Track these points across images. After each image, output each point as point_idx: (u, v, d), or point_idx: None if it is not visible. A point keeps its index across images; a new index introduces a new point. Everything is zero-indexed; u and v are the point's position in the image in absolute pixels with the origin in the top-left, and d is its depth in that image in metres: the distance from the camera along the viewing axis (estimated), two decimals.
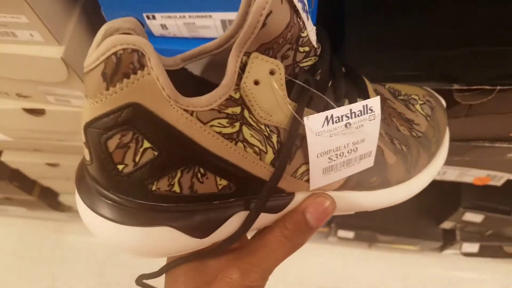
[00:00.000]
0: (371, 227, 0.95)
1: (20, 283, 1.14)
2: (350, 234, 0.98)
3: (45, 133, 0.61)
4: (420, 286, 1.08)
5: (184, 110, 0.21)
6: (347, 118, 0.24)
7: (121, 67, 0.19)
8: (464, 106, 0.42)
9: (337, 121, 0.23)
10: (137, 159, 0.21)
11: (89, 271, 1.14)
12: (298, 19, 0.21)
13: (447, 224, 0.89)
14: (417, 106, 0.34)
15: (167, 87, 0.20)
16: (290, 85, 0.23)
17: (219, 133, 0.22)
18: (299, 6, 0.21)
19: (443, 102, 0.38)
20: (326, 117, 0.23)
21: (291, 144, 0.23)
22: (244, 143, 0.23)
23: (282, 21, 0.21)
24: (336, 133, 0.24)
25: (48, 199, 1.03)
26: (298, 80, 0.23)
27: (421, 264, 1.10)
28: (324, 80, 0.24)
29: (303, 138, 0.24)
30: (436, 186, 0.88)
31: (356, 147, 0.25)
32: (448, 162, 0.56)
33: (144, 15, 0.40)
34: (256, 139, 0.23)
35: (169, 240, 0.24)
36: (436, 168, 0.34)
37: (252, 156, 0.23)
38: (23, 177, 0.91)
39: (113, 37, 0.19)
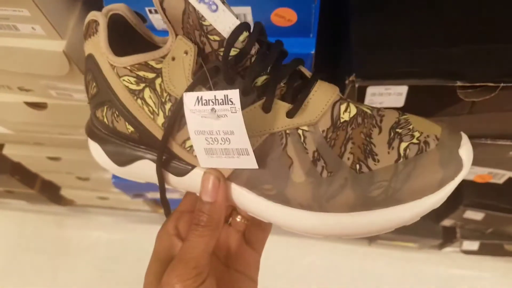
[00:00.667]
0: None
1: (21, 276, 1.15)
2: None
3: (46, 127, 0.61)
4: (420, 283, 1.09)
5: (110, 64, 0.29)
6: (212, 104, 0.25)
7: (88, 30, 0.30)
8: (467, 103, 0.42)
9: (205, 104, 0.25)
10: (91, 91, 0.31)
11: (90, 265, 1.14)
12: (194, 9, 0.25)
13: (447, 222, 0.89)
14: (404, 144, 0.26)
15: (104, 47, 0.29)
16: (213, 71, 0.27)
17: (127, 87, 0.29)
18: None
19: (464, 156, 0.26)
20: (197, 97, 0.25)
21: (176, 113, 0.27)
22: (143, 101, 0.29)
23: (177, 7, 0.25)
24: (205, 115, 0.26)
25: (49, 192, 1.04)
26: (207, 66, 0.26)
27: (420, 262, 1.10)
28: (230, 71, 0.26)
29: None
30: None
31: (229, 138, 0.26)
32: None
33: (147, 9, 0.41)
34: (152, 101, 0.28)
35: (99, 155, 0.33)
36: (368, 223, 0.26)
37: (147, 113, 0.29)
38: (24, 171, 0.91)
39: (90, 12, 0.30)
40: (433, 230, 0.95)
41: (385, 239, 1.00)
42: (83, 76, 0.46)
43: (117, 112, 0.30)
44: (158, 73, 0.28)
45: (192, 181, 0.30)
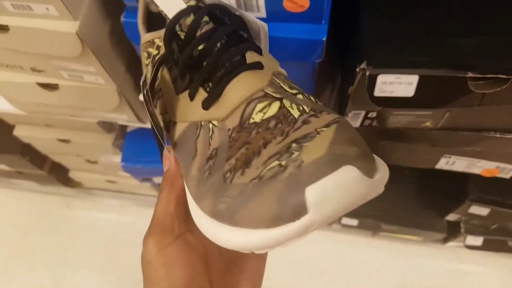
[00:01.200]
0: (376, 216, 0.95)
1: (29, 255, 1.17)
2: (354, 222, 0.99)
3: (57, 108, 0.62)
4: (421, 277, 1.09)
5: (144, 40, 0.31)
6: None
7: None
8: (477, 95, 0.42)
9: None
10: None
11: (97, 246, 1.16)
12: None
13: (452, 216, 0.89)
14: (275, 162, 0.21)
15: (139, 24, 0.34)
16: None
17: (143, 61, 0.31)
18: None
19: (315, 195, 0.19)
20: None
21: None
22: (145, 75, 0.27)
23: None
24: None
25: (58, 174, 1.05)
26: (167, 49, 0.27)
27: (423, 255, 1.10)
28: (172, 57, 0.27)
29: (162, 94, 0.28)
30: (444, 177, 0.88)
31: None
32: (458, 152, 0.56)
33: None
34: (149, 71, 0.28)
35: None
36: (211, 233, 0.24)
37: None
38: (34, 152, 0.92)
39: None
40: (438, 224, 0.95)
41: (388, 231, 1.00)
42: (95, 57, 0.47)
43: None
44: (159, 50, 0.29)
45: None
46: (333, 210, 0.19)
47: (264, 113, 0.23)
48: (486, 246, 0.98)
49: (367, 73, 0.41)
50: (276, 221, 0.20)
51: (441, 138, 0.53)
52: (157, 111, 0.29)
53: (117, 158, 0.84)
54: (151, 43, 0.29)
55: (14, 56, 0.50)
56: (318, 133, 0.21)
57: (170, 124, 0.28)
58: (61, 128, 0.80)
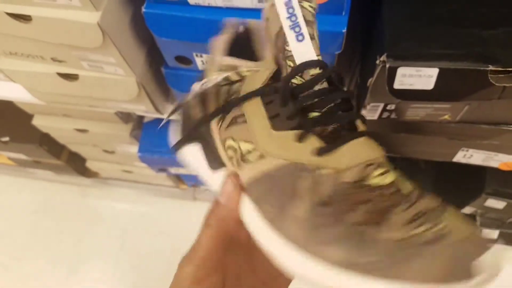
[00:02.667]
0: None
1: (45, 242, 1.19)
2: None
3: (76, 98, 0.63)
4: None
5: None
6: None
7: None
8: (497, 88, 0.41)
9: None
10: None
11: (112, 235, 1.18)
12: (284, 34, 0.27)
13: (468, 210, 0.89)
14: (421, 227, 0.24)
15: (221, 48, 0.32)
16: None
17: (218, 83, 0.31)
18: (286, 23, 0.27)
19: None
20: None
21: (228, 107, 0.29)
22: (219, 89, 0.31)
23: (274, 27, 0.27)
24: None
25: (75, 164, 1.07)
26: (270, 83, 0.28)
27: None
28: (286, 93, 0.27)
29: (244, 120, 0.28)
30: (460, 170, 0.87)
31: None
32: (476, 146, 0.56)
33: (194, 54, 0.47)
34: (224, 92, 0.31)
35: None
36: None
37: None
38: (52, 142, 0.93)
39: None
40: None
41: None
42: (115, 48, 0.48)
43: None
44: (243, 79, 0.30)
45: (217, 181, 0.31)
46: (490, 277, 0.22)
47: (383, 180, 0.26)
48: (502, 240, 0.97)
49: (387, 66, 0.41)
50: (446, 279, 0.22)
51: (459, 131, 0.52)
52: (216, 132, 0.30)
53: (134, 149, 0.85)
54: (234, 68, 0.30)
55: (35, 46, 0.51)
56: (444, 211, 0.25)
57: (248, 154, 0.28)
58: (79, 118, 0.81)
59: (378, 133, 0.56)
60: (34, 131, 0.88)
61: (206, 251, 0.29)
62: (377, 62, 0.41)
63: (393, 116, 0.50)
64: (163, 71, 0.55)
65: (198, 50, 0.49)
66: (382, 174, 0.26)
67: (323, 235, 0.24)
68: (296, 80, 0.27)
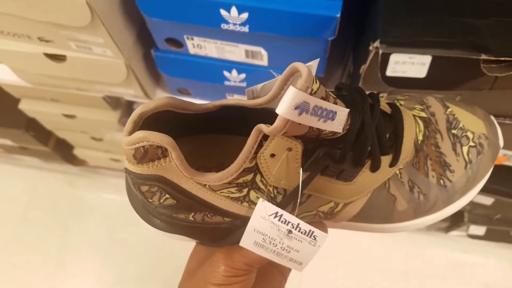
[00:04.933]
0: None
1: (32, 232, 1.18)
2: None
3: (64, 80, 0.61)
4: (423, 265, 1.09)
5: (199, 183, 0.26)
6: (292, 227, 0.26)
7: (147, 155, 0.25)
8: (489, 78, 0.41)
9: (284, 222, 0.26)
10: (161, 201, 0.28)
11: (100, 225, 1.17)
12: (316, 128, 0.24)
13: None
14: (465, 148, 0.32)
15: (185, 170, 0.26)
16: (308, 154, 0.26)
17: (228, 197, 0.27)
18: (319, 123, 0.23)
19: (501, 143, 0.34)
20: (277, 213, 0.26)
21: (292, 197, 0.27)
22: (249, 203, 0.28)
23: (299, 132, 0.24)
24: (276, 229, 0.27)
25: (63, 151, 1.05)
26: (318, 152, 0.26)
27: (426, 244, 1.10)
28: (345, 152, 0.27)
29: (308, 196, 0.29)
30: None
31: (290, 251, 0.28)
32: None
33: (185, 36, 0.49)
34: (258, 197, 0.28)
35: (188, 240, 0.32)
36: (448, 213, 0.33)
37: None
38: (39, 127, 0.92)
39: (141, 133, 0.24)
40: None
41: None
42: (104, 28, 0.47)
43: (211, 214, 0.29)
44: (254, 170, 0.26)
45: None
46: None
47: (421, 131, 0.31)
48: (489, 236, 0.98)
49: (380, 52, 0.40)
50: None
51: None
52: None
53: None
54: (242, 172, 0.26)
55: (21, 24, 0.50)
56: (455, 116, 0.33)
57: (332, 210, 0.30)
58: (66, 104, 0.79)
59: None
60: (20, 116, 0.86)
61: (254, 256, 0.29)
62: (370, 48, 0.41)
63: None
64: (153, 54, 0.54)
65: (189, 32, 0.48)
66: (417, 126, 0.32)
67: (427, 206, 0.32)
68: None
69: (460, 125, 0.32)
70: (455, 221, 0.96)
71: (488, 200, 0.82)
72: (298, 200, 0.27)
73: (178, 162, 0.25)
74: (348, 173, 0.29)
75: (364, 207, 0.31)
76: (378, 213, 0.31)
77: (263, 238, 0.27)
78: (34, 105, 0.81)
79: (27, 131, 0.90)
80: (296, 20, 0.42)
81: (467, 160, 0.31)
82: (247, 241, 0.28)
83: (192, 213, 0.29)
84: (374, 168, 0.29)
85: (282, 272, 0.35)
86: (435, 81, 0.43)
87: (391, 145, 0.30)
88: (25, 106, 0.82)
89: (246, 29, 0.44)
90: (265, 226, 0.27)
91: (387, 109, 0.31)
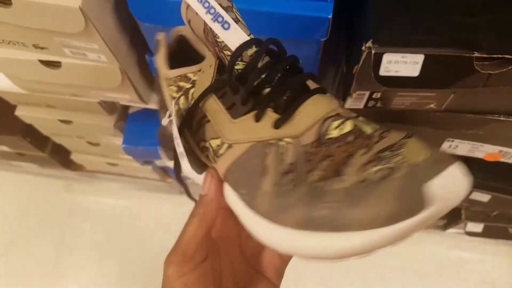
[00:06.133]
0: None
1: (29, 238, 1.17)
2: None
3: (59, 86, 0.61)
4: (421, 263, 1.10)
5: (164, 76, 0.34)
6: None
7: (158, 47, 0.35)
8: (482, 75, 0.41)
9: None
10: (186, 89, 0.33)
11: (97, 230, 1.17)
12: (210, 27, 0.28)
13: None
14: (376, 167, 0.23)
15: (161, 62, 0.34)
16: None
17: (170, 95, 0.33)
18: (207, 18, 0.28)
19: (433, 192, 0.21)
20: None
21: (190, 113, 0.31)
22: (178, 106, 0.32)
23: (199, 26, 0.29)
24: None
25: (60, 156, 1.05)
26: (218, 77, 0.29)
27: (423, 242, 1.11)
28: (234, 82, 0.28)
29: (208, 120, 0.30)
30: None
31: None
32: (461, 136, 0.56)
33: None
34: (183, 107, 0.32)
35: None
36: (301, 246, 0.24)
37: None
38: (36, 133, 0.92)
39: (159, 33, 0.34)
40: None
41: None
42: (98, 34, 0.47)
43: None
44: (193, 83, 0.31)
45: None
46: (451, 203, 0.21)
47: (341, 129, 0.26)
48: (486, 233, 0.98)
49: (373, 52, 0.40)
50: (394, 218, 0.21)
51: (445, 120, 0.53)
52: (190, 139, 0.32)
53: (118, 140, 0.84)
54: (183, 77, 0.32)
55: (16, 32, 0.50)
56: (405, 143, 0.23)
57: (219, 148, 0.29)
58: (62, 109, 0.80)
59: None
60: (17, 122, 0.86)
61: (187, 242, 0.30)
62: (363, 48, 0.41)
63: (378, 105, 0.50)
64: (147, 59, 0.54)
65: None
66: (340, 124, 0.26)
67: (286, 202, 0.25)
68: (240, 66, 0.28)
69: (399, 151, 0.23)
70: (452, 219, 0.97)
71: (485, 197, 0.82)
72: (191, 106, 0.30)
73: (161, 49, 0.35)
74: (236, 109, 0.28)
75: (239, 162, 0.28)
76: (244, 178, 0.28)
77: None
78: (30, 111, 0.81)
79: (24, 137, 0.90)
80: (288, 22, 0.42)
81: (364, 177, 0.23)
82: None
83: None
84: (257, 117, 0.27)
85: (269, 279, 0.34)
86: (429, 80, 0.43)
87: (284, 108, 0.27)
88: (21, 112, 0.82)
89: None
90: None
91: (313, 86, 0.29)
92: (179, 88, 0.32)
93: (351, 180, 0.23)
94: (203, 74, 0.30)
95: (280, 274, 0.35)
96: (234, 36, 0.28)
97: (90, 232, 1.17)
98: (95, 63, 0.53)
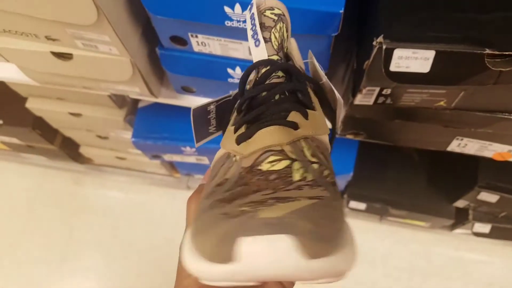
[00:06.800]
0: (384, 200, 0.95)
1: (37, 230, 1.19)
2: (362, 206, 0.99)
3: (70, 79, 0.62)
4: (428, 264, 1.09)
5: None
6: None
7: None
8: (493, 73, 0.41)
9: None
10: None
11: (104, 223, 1.17)
12: None
13: (461, 203, 0.89)
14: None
15: None
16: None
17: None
18: (249, 33, 0.31)
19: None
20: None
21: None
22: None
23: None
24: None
25: (69, 149, 1.06)
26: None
27: (430, 242, 1.10)
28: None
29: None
30: (453, 163, 0.87)
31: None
32: (470, 134, 0.56)
33: (189, 34, 0.50)
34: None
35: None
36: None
37: None
38: (46, 126, 0.93)
39: None
40: (446, 210, 0.95)
41: (396, 216, 1.00)
42: (110, 26, 0.47)
43: None
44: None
45: None
46: (256, 269, 0.20)
47: (272, 166, 0.26)
48: (494, 234, 0.98)
49: (384, 47, 0.40)
50: (213, 257, 0.21)
51: (454, 118, 0.52)
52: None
53: (127, 134, 0.85)
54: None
55: (29, 23, 0.50)
56: (293, 200, 0.23)
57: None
58: (73, 102, 0.80)
59: (373, 119, 0.56)
60: (27, 114, 0.87)
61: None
62: (374, 43, 0.41)
63: (388, 101, 0.50)
64: (158, 52, 0.54)
65: (193, 30, 0.48)
66: (274, 160, 0.26)
67: (203, 220, 0.24)
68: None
69: (277, 204, 0.22)
70: (460, 219, 0.96)
71: (493, 198, 0.82)
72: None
73: None
74: (237, 118, 0.31)
75: (215, 161, 0.30)
76: (210, 179, 0.29)
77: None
78: (41, 103, 0.82)
79: (34, 129, 0.91)
80: (299, 16, 0.42)
81: (229, 212, 0.23)
82: None
83: None
84: (235, 129, 0.29)
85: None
86: (439, 76, 0.43)
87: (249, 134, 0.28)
88: (32, 105, 0.83)
89: None
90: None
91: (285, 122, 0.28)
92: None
93: (224, 210, 0.23)
94: None
95: None
96: (259, 53, 0.31)
97: (97, 225, 1.18)
98: (106, 55, 0.54)
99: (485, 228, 0.97)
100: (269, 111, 0.28)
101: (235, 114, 0.31)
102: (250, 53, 0.32)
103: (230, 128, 0.30)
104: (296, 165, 0.26)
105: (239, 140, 0.27)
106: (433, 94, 0.47)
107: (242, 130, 0.28)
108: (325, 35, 0.45)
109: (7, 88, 0.78)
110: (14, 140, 1.00)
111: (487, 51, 0.39)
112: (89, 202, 1.21)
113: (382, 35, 0.40)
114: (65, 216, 1.20)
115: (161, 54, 0.55)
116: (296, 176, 0.25)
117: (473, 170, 0.81)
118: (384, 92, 0.48)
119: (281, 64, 0.30)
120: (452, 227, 1.02)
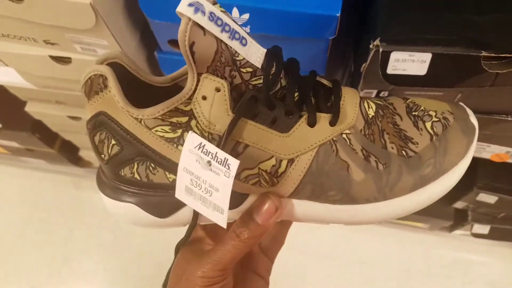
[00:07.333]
0: None
1: (37, 234, 1.19)
2: None
3: (69, 82, 0.62)
4: (427, 265, 1.09)
5: (135, 118, 0.28)
6: (211, 157, 0.27)
7: (93, 87, 0.29)
8: (490, 75, 0.41)
9: (205, 153, 0.27)
10: (109, 151, 0.30)
11: (104, 227, 1.17)
12: (227, 47, 0.26)
13: (459, 204, 0.89)
14: (428, 124, 0.31)
15: (121, 101, 0.28)
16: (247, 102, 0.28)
17: (162, 137, 0.28)
18: (224, 36, 0.25)
19: (473, 121, 0.32)
20: (200, 143, 0.27)
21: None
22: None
23: (209, 48, 0.25)
24: (200, 162, 0.27)
25: (68, 153, 1.06)
26: (245, 96, 0.27)
27: (429, 244, 1.10)
28: (268, 96, 0.27)
29: (245, 146, 0.28)
30: None
31: (211, 192, 0.28)
32: None
33: None
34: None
35: (135, 214, 0.32)
36: (428, 196, 0.30)
37: None
38: (45, 129, 0.93)
39: (89, 67, 0.29)
40: (445, 212, 0.95)
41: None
42: (108, 30, 0.47)
43: (153, 165, 0.30)
44: (190, 115, 0.28)
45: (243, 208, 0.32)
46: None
47: (371, 108, 0.31)
48: (493, 235, 0.98)
49: (381, 50, 0.41)
50: (467, 147, 0.31)
51: None
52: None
53: None
54: (174, 111, 0.28)
55: (27, 28, 0.51)
56: (416, 102, 0.33)
57: (276, 168, 0.29)
58: (71, 106, 0.80)
59: None
60: (26, 118, 0.87)
61: (225, 258, 0.29)
62: (371, 46, 0.41)
63: None
64: (156, 56, 0.55)
65: None
66: (368, 104, 0.32)
67: (389, 178, 0.30)
68: (258, 81, 0.28)
69: (422, 108, 0.32)
70: (459, 220, 0.96)
71: (491, 199, 0.82)
72: (222, 141, 0.27)
73: (115, 90, 0.28)
74: (282, 122, 0.28)
75: (312, 170, 0.29)
76: (330, 180, 0.29)
77: (191, 179, 0.28)
78: (40, 107, 0.82)
79: (33, 133, 0.91)
80: (297, 20, 0.42)
81: (432, 133, 0.30)
82: (179, 188, 0.29)
83: (136, 165, 0.30)
84: (311, 122, 0.29)
85: (261, 276, 0.36)
86: (436, 79, 0.43)
87: (330, 105, 0.30)
88: (31, 108, 0.83)
89: (247, 30, 0.44)
90: (191, 161, 0.27)
91: (328, 83, 0.32)
92: (174, 126, 0.28)
93: (424, 139, 0.30)
94: (204, 101, 0.27)
95: (268, 272, 0.37)
96: (253, 51, 0.27)
97: (98, 229, 1.17)
98: None
99: (484, 229, 0.97)
100: (308, 89, 0.30)
101: (280, 120, 0.28)
102: (232, 57, 0.26)
103: (292, 132, 0.28)
104: (370, 99, 0.33)
105: (334, 122, 0.29)
106: (430, 97, 0.47)
107: (322, 116, 0.29)
108: (322, 38, 0.45)
109: (6, 92, 0.78)
110: (14, 144, 1.00)
111: (484, 53, 0.39)
112: (88, 206, 1.21)
113: (378, 38, 0.40)
114: (65, 219, 1.20)
115: (160, 58, 0.55)
116: (380, 102, 0.33)
117: (471, 171, 0.81)
118: (381, 94, 0.48)
119: (278, 50, 0.29)
120: (451, 228, 1.02)
